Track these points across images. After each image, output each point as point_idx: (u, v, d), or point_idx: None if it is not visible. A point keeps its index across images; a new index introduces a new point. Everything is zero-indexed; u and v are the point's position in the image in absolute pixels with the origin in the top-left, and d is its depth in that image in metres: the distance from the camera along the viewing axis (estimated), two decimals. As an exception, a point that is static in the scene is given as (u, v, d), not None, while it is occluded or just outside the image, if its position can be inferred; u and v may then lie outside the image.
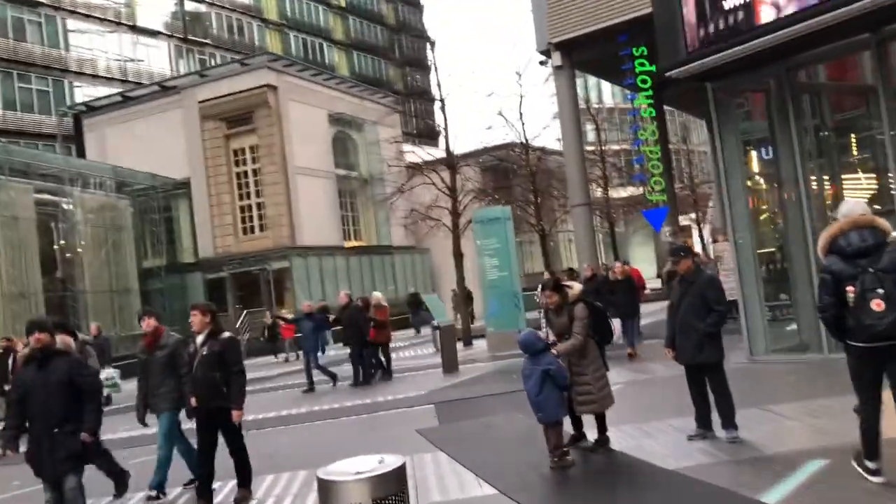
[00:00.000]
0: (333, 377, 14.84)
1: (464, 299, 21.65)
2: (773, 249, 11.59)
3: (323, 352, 17.52)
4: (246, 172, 32.50)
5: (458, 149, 22.29)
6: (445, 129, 20.93)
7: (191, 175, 32.47)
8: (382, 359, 15.21)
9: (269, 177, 31.57)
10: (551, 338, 6.95)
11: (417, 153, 31.29)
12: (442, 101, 20.88)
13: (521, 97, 26.04)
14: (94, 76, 39.02)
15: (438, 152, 27.57)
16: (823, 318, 4.88)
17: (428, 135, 55.71)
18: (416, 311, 28.00)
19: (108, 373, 15.87)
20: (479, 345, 19.24)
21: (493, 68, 66.73)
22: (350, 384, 14.50)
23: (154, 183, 31.14)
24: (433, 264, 38.80)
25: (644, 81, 17.29)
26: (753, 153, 11.69)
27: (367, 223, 37.46)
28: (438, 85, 20.94)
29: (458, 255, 20.51)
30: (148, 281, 30.60)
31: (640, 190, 38.07)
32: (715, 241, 18.52)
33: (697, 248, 25.53)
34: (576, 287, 7.13)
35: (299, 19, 52.67)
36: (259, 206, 32.18)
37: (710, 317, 6.58)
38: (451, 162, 21.13)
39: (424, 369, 16.00)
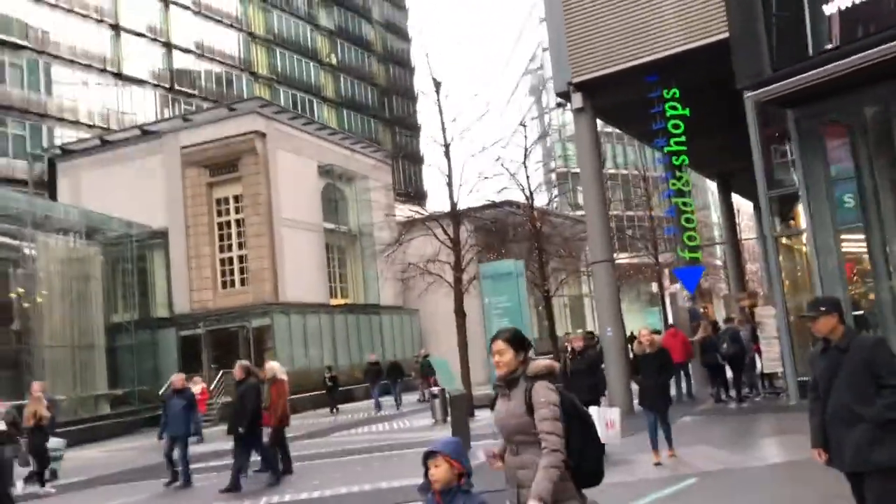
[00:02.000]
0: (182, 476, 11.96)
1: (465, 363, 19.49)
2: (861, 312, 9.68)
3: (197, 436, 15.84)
4: (228, 223, 30.51)
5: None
6: (449, 175, 19.12)
7: (169, 224, 30.42)
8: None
9: (253, 228, 29.58)
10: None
11: (408, 211, 29.55)
12: (447, 145, 19.13)
13: (528, 150, 24.20)
14: (75, 122, 37.25)
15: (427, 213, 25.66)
16: None
17: (415, 196, 54.34)
18: (396, 379, 25.30)
19: (54, 442, 13.52)
20: (484, 416, 17.06)
21: (495, 121, 65.70)
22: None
23: (129, 231, 29.02)
24: (423, 326, 36.62)
25: (676, 126, 15.66)
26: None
27: (355, 280, 35.36)
28: (443, 128, 19.24)
29: (461, 314, 18.47)
30: (116, 336, 28.17)
31: (636, 257, 36.56)
32: (750, 304, 16.69)
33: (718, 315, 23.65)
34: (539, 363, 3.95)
35: (290, 75, 51.57)
36: (241, 258, 30.10)
37: (883, 396, 4.59)
38: (455, 211, 19.29)
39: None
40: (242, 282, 29.99)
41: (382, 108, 60.43)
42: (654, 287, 41.35)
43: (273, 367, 12.26)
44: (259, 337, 28.68)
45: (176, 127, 31.65)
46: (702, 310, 20.48)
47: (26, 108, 35.18)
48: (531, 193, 23.84)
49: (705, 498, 7.50)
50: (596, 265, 16.44)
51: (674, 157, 15.69)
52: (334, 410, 25.00)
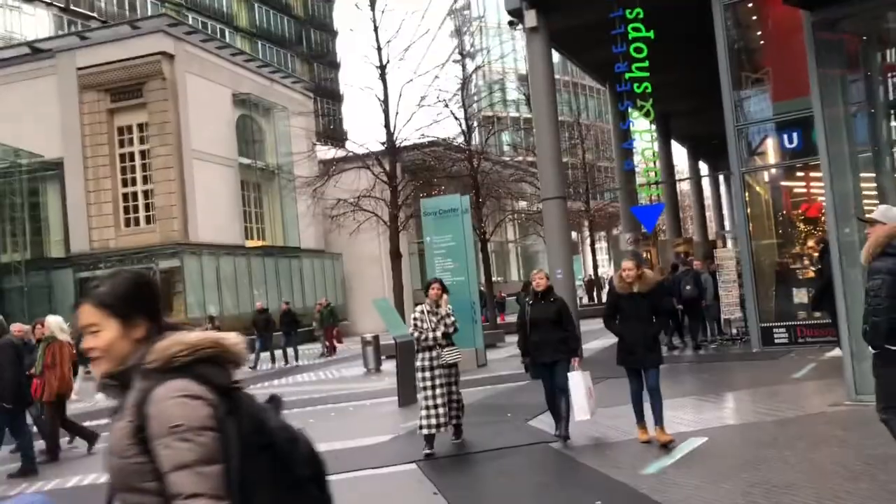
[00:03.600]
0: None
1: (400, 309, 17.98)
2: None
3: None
4: (132, 154, 27.73)
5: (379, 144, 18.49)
6: (385, 101, 17.29)
7: (65, 155, 27.42)
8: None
9: (160, 160, 26.93)
10: None
11: (330, 153, 27.49)
12: (382, 67, 17.23)
13: (466, 80, 22.47)
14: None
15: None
16: (877, 322, 4.25)
17: (336, 138, 51.66)
18: (290, 331, 20.68)
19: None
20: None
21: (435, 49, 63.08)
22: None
23: (17, 160, 25.96)
24: (346, 271, 34.81)
25: (639, 50, 14.25)
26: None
27: (273, 221, 33.07)
28: (378, 48, 17.30)
29: (397, 255, 16.86)
30: (4, 278, 25.33)
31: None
32: (684, 251, 15.69)
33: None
34: None
35: (200, 1, 47.75)
36: (147, 193, 27.45)
37: None
38: (392, 141, 17.51)
39: (364, 399, 12.25)
40: (148, 219, 27.43)
41: (300, 42, 57.09)
42: (576, 235, 40.69)
43: (51, 322, 9.60)
44: (168, 279, 26.35)
45: (72, 45, 28.38)
46: (644, 254, 19.52)
47: None
48: (468, 128, 22.22)
49: (724, 458, 6.25)
50: (547, 202, 15.07)
51: (636, 85, 14.30)
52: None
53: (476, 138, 26.76)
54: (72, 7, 39.69)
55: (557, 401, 7.38)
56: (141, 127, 27.47)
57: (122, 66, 26.77)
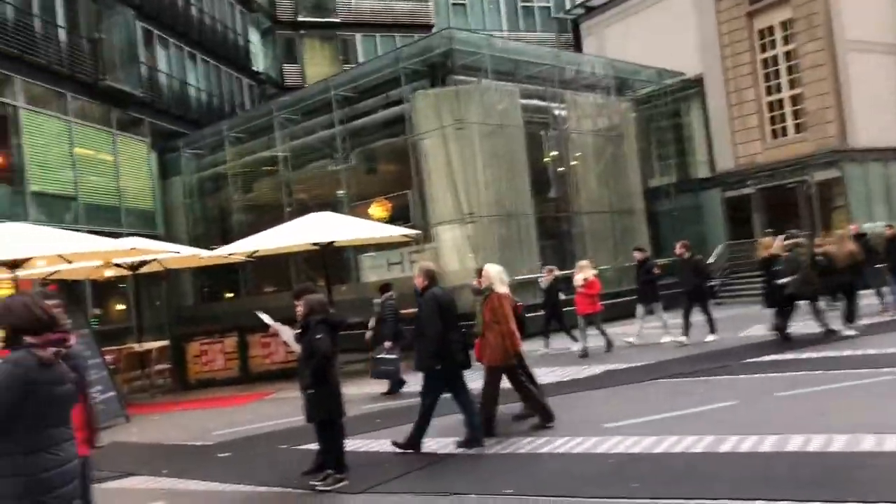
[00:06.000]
0: None
1: None
2: None
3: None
4: (775, 58, 24.93)
5: None
6: None
7: (704, 70, 26.26)
8: None
9: (809, 59, 23.55)
10: None
11: None
12: None
13: None
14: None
15: None
16: None
17: None
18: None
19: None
20: None
21: None
22: None
23: (661, 82, 25.76)
24: None
25: None
26: None
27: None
28: None
29: None
30: (655, 201, 25.57)
31: None
32: None
33: None
34: None
35: None
36: (794, 99, 24.42)
37: None
38: None
39: None
40: (797, 128, 24.40)
41: None
42: None
43: (490, 272, 7.94)
44: (825, 194, 23.16)
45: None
46: None
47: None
48: None
49: None
50: None
51: None
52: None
53: None
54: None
55: None
56: (784, 25, 24.45)
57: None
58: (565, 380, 11.12)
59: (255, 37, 34.15)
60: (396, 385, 11.42)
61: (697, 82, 26.54)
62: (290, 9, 35.57)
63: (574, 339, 14.23)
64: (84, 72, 21.14)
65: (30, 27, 19.49)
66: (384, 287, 12.79)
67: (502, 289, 7.81)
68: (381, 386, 11.61)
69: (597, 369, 11.70)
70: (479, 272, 8.32)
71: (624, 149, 23.18)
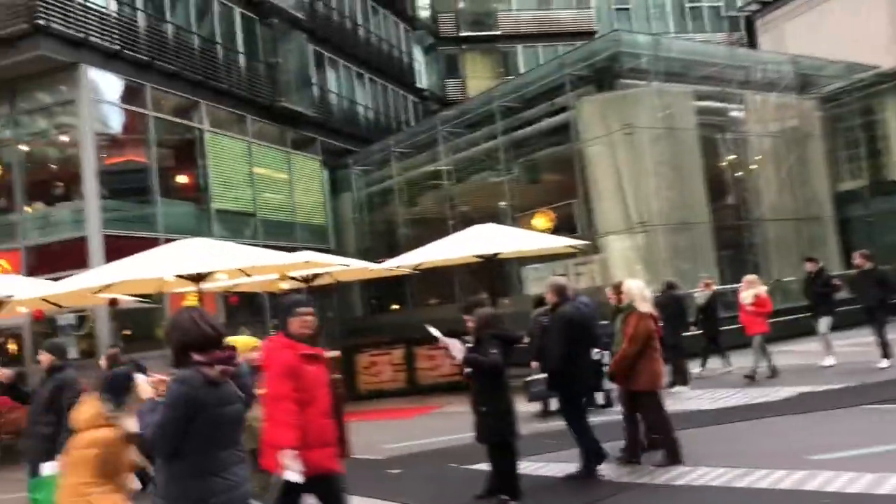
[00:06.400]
0: None
1: None
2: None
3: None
4: None
5: None
6: None
7: (897, 63, 23.83)
8: None
9: None
10: None
11: None
12: None
13: None
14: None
15: None
16: None
17: None
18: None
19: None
20: None
21: None
22: None
23: (849, 78, 23.60)
24: None
25: None
26: None
27: None
28: None
29: None
30: (845, 206, 23.38)
31: None
32: None
33: None
34: None
35: None
36: None
37: None
38: None
39: None
40: None
41: None
42: None
43: (632, 289, 7.37)
44: None
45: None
46: None
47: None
48: None
49: None
50: None
51: None
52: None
53: None
54: None
55: None
56: None
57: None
58: (755, 402, 10.14)
59: (418, 54, 34.88)
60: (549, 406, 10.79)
61: (893, 76, 24.09)
62: (452, 25, 36.08)
63: (730, 363, 13.09)
64: (262, 95, 22.29)
65: (213, 54, 20.79)
66: (539, 301, 11.87)
67: (645, 307, 7.22)
68: (537, 404, 11.08)
69: (784, 392, 10.59)
70: (617, 287, 7.78)
71: (809, 150, 21.40)
